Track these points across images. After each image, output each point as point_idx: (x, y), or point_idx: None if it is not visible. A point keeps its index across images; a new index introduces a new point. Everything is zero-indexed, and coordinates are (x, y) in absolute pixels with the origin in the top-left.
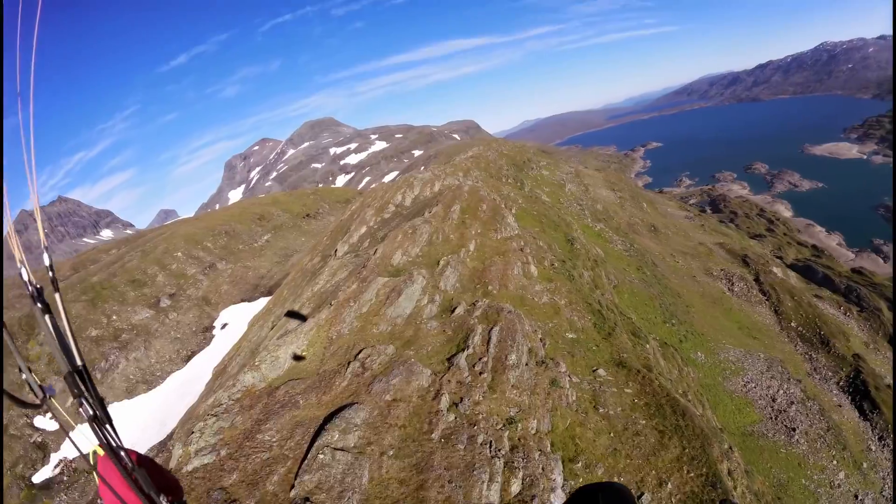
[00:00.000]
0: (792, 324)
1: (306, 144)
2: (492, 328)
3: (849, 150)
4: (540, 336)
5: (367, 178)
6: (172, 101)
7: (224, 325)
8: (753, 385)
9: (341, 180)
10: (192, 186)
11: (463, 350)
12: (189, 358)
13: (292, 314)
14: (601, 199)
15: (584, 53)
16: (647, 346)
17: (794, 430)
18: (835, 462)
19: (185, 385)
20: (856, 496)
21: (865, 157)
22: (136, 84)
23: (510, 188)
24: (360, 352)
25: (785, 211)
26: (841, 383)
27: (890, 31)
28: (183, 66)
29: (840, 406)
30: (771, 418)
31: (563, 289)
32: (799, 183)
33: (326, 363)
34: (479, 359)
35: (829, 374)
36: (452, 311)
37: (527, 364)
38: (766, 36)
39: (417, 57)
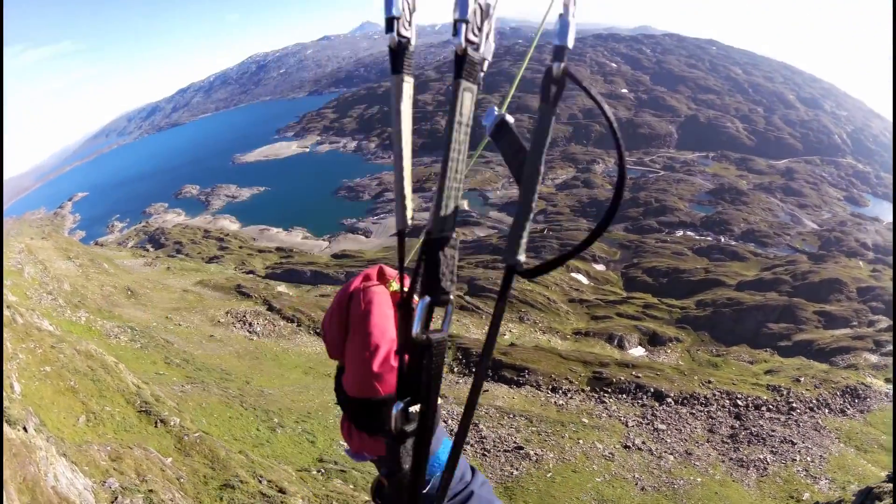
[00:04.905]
0: None
1: None
2: None
3: (287, 147)
4: None
5: None
6: None
7: None
8: None
9: None
10: None
11: None
12: None
13: None
14: (64, 275)
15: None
16: None
17: None
18: None
19: None
20: None
21: (308, 150)
22: None
23: None
24: None
25: (231, 224)
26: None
27: None
28: None
29: None
30: None
31: None
32: (238, 193)
33: None
34: None
35: None
36: None
37: None
38: (185, 58)
39: None
